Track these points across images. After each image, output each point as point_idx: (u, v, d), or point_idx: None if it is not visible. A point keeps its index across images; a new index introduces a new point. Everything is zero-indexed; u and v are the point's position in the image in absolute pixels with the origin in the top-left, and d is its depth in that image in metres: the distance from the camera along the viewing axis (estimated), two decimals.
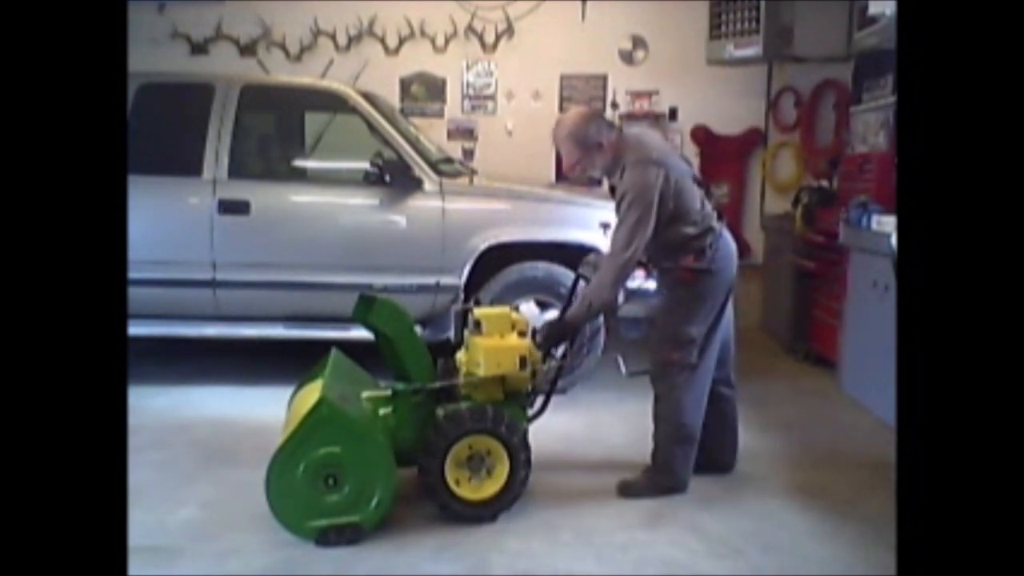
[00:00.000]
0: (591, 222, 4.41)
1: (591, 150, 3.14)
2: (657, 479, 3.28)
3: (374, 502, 2.79)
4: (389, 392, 3.08)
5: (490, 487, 2.97)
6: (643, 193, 3.04)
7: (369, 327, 3.26)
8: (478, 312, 3.22)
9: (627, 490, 3.27)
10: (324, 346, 3.59)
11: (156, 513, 3.01)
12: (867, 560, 2.77)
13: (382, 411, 3.05)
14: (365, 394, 3.06)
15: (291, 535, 2.77)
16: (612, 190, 3.24)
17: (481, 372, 3.06)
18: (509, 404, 3.09)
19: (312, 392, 2.98)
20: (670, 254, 3.19)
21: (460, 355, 3.27)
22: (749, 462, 3.62)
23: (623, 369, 3.59)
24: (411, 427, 3.02)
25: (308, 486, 2.74)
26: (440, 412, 3.00)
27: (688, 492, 3.28)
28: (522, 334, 3.18)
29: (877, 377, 4.11)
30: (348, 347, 3.53)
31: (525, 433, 3.04)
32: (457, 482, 2.94)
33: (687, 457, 3.29)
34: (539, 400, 3.29)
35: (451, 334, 4.45)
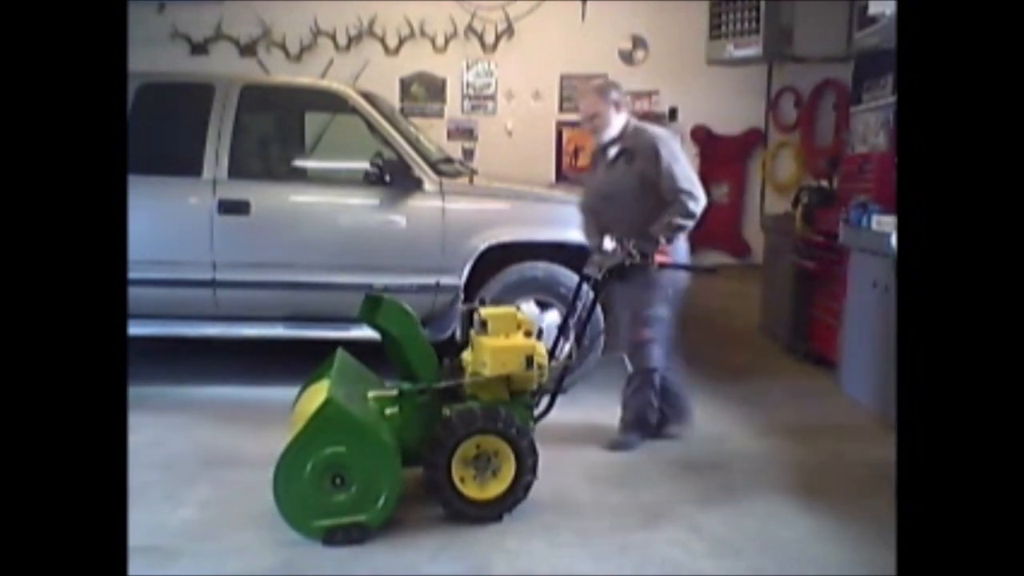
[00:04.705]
0: None
1: (611, 106, 3.59)
2: (637, 428, 3.73)
3: (380, 501, 2.80)
4: (395, 392, 3.08)
5: (494, 488, 2.97)
6: (679, 150, 3.60)
7: (375, 327, 3.27)
8: (484, 312, 3.23)
9: (617, 446, 3.69)
10: (324, 346, 3.59)
11: (156, 513, 3.01)
12: (867, 560, 2.77)
13: (388, 411, 3.05)
14: (371, 394, 3.07)
15: (291, 535, 2.77)
16: (600, 152, 3.70)
17: (487, 372, 3.06)
18: (514, 404, 3.09)
19: (318, 392, 2.99)
20: (651, 239, 3.51)
21: (466, 355, 3.27)
22: (749, 462, 3.62)
23: (629, 368, 3.62)
24: (417, 427, 3.02)
25: (315, 486, 2.74)
26: (452, 409, 3.00)
27: (688, 492, 3.29)
28: (528, 334, 3.18)
29: (877, 377, 4.11)
30: (352, 347, 3.53)
31: (533, 438, 3.03)
32: (462, 480, 2.94)
33: (654, 404, 3.72)
34: (545, 400, 3.31)
35: (450, 334, 4.45)
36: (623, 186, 3.57)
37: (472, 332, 3.26)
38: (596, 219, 3.78)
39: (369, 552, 2.76)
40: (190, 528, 2.93)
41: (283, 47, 7.88)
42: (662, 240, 3.48)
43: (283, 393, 3.47)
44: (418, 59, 8.03)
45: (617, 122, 3.60)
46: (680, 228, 3.51)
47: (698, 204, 3.50)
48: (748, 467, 3.56)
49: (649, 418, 3.73)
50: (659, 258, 3.45)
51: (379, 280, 4.35)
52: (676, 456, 3.67)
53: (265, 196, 4.58)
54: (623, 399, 3.78)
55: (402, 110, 7.32)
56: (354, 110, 4.70)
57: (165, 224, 4.58)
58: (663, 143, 3.53)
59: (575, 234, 4.48)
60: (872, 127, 4.93)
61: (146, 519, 2.92)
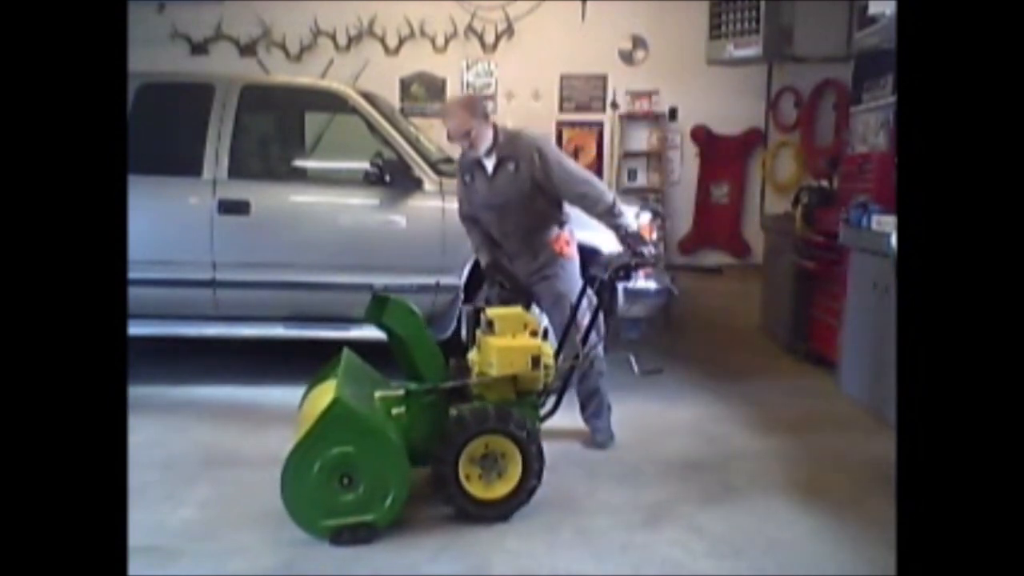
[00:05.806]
0: (590, 222, 4.40)
1: (481, 119, 3.61)
2: (606, 418, 3.78)
3: (388, 501, 2.80)
4: (402, 392, 3.09)
5: (499, 489, 2.96)
6: (557, 147, 3.81)
7: (382, 327, 3.28)
8: (490, 312, 3.23)
9: (600, 444, 3.74)
10: (324, 346, 3.59)
11: (156, 513, 3.02)
12: (867, 560, 2.77)
13: (395, 411, 3.06)
14: (378, 394, 3.07)
15: (292, 535, 2.77)
16: (475, 165, 3.68)
17: (494, 372, 3.07)
18: (521, 404, 3.10)
19: (325, 392, 2.99)
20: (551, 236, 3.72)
21: (472, 355, 3.28)
22: (750, 461, 3.62)
23: (635, 369, 3.70)
24: (423, 427, 3.03)
25: (322, 485, 2.74)
26: (463, 407, 3.00)
27: (689, 491, 3.29)
28: (534, 333, 3.18)
29: (877, 377, 4.11)
30: (356, 346, 3.53)
31: (542, 444, 3.03)
32: (467, 477, 2.94)
33: (604, 388, 3.80)
34: (551, 400, 3.31)
35: (450, 333, 4.46)
36: (513, 193, 3.59)
37: (478, 332, 3.26)
38: (482, 231, 3.82)
39: (371, 552, 2.76)
40: (190, 528, 2.93)
41: (283, 47, 7.88)
42: (653, 234, 3.67)
43: (283, 393, 3.47)
44: (418, 59, 8.03)
45: (488, 133, 3.61)
46: (619, 209, 3.61)
47: (604, 187, 3.70)
48: (748, 467, 3.55)
49: (606, 398, 3.77)
50: (567, 250, 3.72)
51: (379, 280, 4.35)
52: (677, 456, 3.68)
53: (265, 196, 4.58)
54: (580, 399, 3.76)
55: (402, 110, 7.32)
56: (354, 110, 4.70)
57: (165, 224, 4.59)
58: (544, 143, 3.69)
59: (577, 233, 4.49)
60: (872, 127, 4.93)
61: (146, 519, 2.92)
